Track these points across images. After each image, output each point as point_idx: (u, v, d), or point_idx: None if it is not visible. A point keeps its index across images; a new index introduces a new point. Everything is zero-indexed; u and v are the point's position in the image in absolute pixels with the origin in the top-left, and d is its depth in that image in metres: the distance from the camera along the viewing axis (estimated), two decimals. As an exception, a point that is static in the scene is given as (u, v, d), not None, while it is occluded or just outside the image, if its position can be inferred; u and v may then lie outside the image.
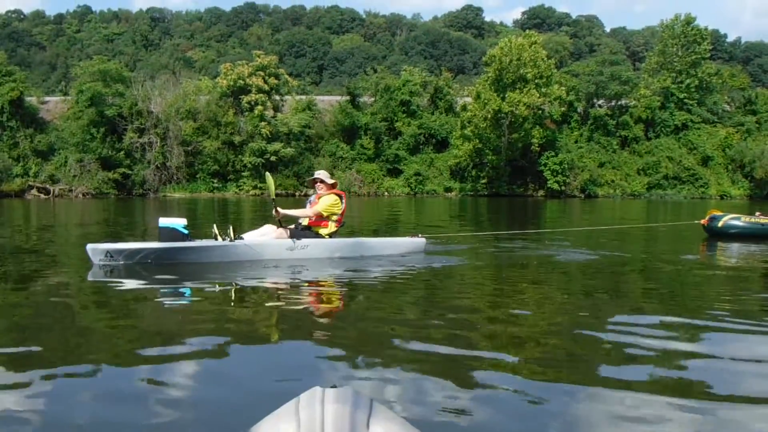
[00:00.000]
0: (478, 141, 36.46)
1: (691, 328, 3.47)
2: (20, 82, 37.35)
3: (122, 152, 35.97)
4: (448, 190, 38.25)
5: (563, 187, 37.56)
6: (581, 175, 38.43)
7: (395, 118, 39.59)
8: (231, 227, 5.65)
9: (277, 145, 35.98)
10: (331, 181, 6.11)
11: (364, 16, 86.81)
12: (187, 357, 2.80)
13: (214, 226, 5.67)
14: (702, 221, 9.65)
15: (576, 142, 40.85)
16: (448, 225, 12.95)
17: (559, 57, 58.03)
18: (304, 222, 6.05)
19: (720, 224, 9.23)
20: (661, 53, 44.49)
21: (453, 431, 2.03)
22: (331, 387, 0.92)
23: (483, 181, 37.61)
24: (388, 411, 0.91)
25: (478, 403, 2.26)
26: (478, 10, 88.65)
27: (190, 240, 5.42)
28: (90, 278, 4.96)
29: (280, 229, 5.87)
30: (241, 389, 2.42)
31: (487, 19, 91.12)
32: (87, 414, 2.19)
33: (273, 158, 36.01)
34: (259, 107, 36.42)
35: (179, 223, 5.35)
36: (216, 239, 5.56)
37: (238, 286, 4.82)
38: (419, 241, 6.67)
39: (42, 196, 34.51)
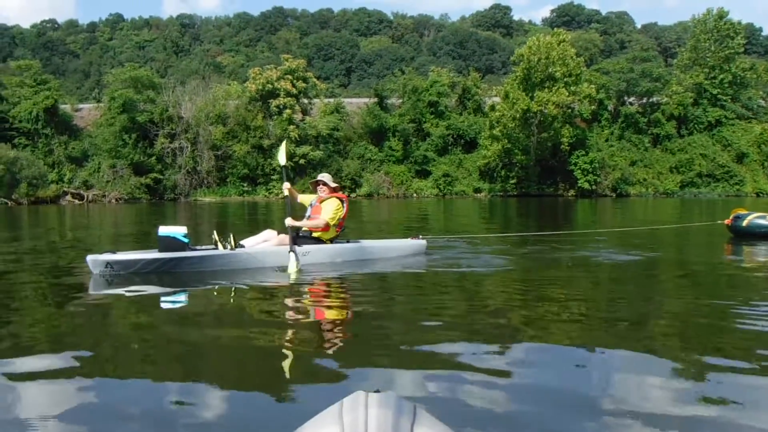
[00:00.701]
0: (507, 141, 36.14)
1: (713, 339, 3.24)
2: (54, 90, 38.25)
3: (154, 157, 36.55)
4: (477, 190, 37.96)
5: (594, 187, 37.01)
6: (612, 174, 37.85)
7: (423, 119, 39.47)
8: (231, 235, 5.51)
9: (305, 148, 36.15)
10: (333, 185, 6.02)
11: (391, 18, 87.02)
12: (212, 364, 2.82)
13: (214, 233, 5.56)
14: (726, 221, 9.19)
15: (607, 140, 40.23)
16: (474, 226, 12.68)
17: (589, 54, 57.29)
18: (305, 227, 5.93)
19: (744, 224, 8.77)
20: (694, 49, 43.55)
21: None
22: (375, 391, 0.90)
23: (512, 181, 37.25)
24: (432, 417, 0.89)
25: (516, 405, 2.25)
26: (507, 9, 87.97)
27: (190, 248, 5.31)
28: (100, 289, 4.83)
29: (282, 235, 5.72)
30: (273, 396, 2.40)
31: (516, 18, 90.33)
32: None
33: (302, 161, 36.21)
34: (288, 111, 36.65)
35: (179, 231, 5.23)
36: (216, 246, 5.45)
37: (248, 291, 4.71)
38: (420, 243, 6.58)
39: (76, 201, 35.22)
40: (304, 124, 37.16)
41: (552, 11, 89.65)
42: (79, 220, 17.02)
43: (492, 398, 2.31)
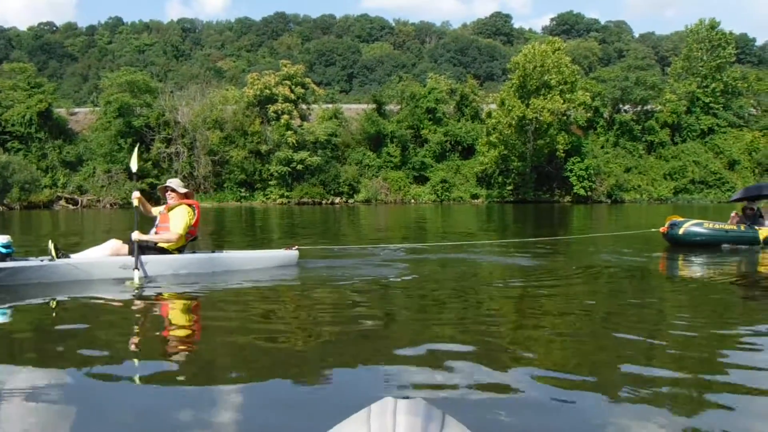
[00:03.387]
0: (503, 147, 36.40)
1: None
2: (49, 93, 37.96)
3: (150, 162, 36.28)
4: (474, 196, 38.16)
5: (589, 193, 37.38)
6: (607, 181, 38.29)
7: (421, 126, 39.67)
8: (52, 244, 5.02)
9: (303, 154, 36.14)
10: (183, 191, 5.63)
11: (393, 25, 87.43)
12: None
13: (50, 242, 5.10)
14: (662, 229, 8.83)
15: (602, 147, 40.68)
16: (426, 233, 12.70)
17: (587, 63, 58.01)
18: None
19: (681, 231, 8.48)
20: (687, 58, 44.28)
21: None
22: (404, 398, 0.91)
23: (509, 187, 37.50)
24: (460, 425, 0.88)
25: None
26: (507, 17, 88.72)
27: (10, 259, 4.86)
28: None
29: (119, 245, 5.32)
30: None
31: (516, 26, 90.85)
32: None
33: (299, 167, 36.19)
34: (286, 116, 36.65)
35: None
36: (52, 257, 4.99)
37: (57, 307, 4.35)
38: (290, 254, 6.15)
39: (70, 206, 34.90)
40: (302, 129, 37.17)
41: (552, 19, 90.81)
42: (72, 226, 16.87)
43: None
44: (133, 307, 4.41)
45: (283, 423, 2.20)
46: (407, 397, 0.91)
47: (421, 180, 38.74)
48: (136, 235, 5.21)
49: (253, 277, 5.55)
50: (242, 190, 37.35)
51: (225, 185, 37.54)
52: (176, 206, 5.54)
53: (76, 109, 43.21)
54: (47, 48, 70.61)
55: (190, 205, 5.60)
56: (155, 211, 5.76)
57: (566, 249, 8.72)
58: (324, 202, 36.39)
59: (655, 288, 5.75)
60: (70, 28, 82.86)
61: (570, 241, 9.75)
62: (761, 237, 8.57)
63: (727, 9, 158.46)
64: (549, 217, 20.88)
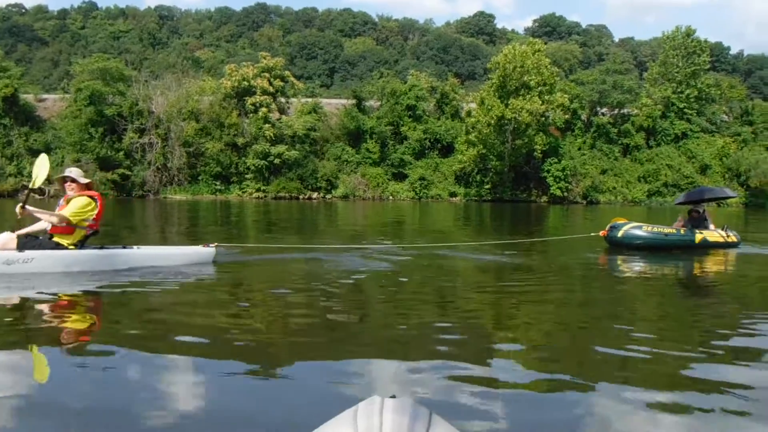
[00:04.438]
0: (482, 146, 36.53)
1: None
2: (16, 78, 36.58)
3: (122, 152, 35.41)
4: (452, 195, 38.22)
5: (566, 194, 37.81)
6: (583, 182, 38.77)
7: (401, 123, 39.51)
8: None
9: (281, 148, 35.63)
10: (84, 181, 5.30)
11: (376, 20, 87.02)
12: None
13: None
14: (602, 232, 8.88)
15: (579, 149, 41.16)
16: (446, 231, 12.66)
17: (568, 65, 58.64)
18: (49, 229, 5.15)
19: (620, 234, 8.54)
20: (663, 64, 45.10)
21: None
22: (390, 397, 0.91)
23: (487, 186, 37.67)
24: (447, 424, 0.89)
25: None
26: (490, 17, 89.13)
27: None
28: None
29: (9, 237, 4.98)
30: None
31: (499, 26, 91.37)
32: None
33: (277, 161, 35.67)
34: (264, 109, 36.06)
35: None
36: None
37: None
38: (206, 251, 5.89)
39: (37, 196, 33.60)
40: (280, 123, 36.62)
41: (534, 21, 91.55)
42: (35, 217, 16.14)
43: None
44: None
45: (264, 421, 2.16)
46: (394, 396, 0.89)
47: (400, 177, 38.61)
48: (27, 208, 4.87)
49: (157, 275, 5.22)
50: (218, 183, 36.63)
51: (200, 178, 36.76)
52: (75, 197, 5.17)
53: (45, 96, 41.75)
54: (15, 31, 68.07)
55: (91, 197, 5.25)
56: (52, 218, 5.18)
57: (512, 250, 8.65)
58: (301, 197, 35.97)
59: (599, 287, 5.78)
60: (41, 10, 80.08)
61: (522, 243, 9.66)
62: (696, 240, 8.72)
63: (705, 18, 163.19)
64: (523, 217, 21.01)
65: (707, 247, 8.83)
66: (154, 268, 5.48)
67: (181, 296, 4.67)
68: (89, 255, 5.27)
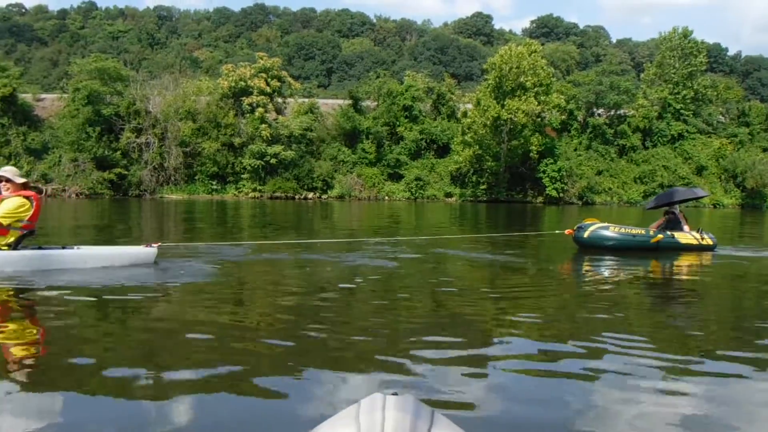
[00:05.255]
0: (478, 147, 36.58)
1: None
2: (14, 78, 36.73)
3: (119, 152, 35.53)
4: (448, 195, 38.29)
5: (561, 194, 37.83)
6: (579, 183, 38.79)
7: (397, 123, 39.60)
8: None
9: (277, 148, 35.73)
10: (20, 180, 5.21)
11: (374, 21, 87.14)
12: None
13: None
14: (567, 231, 8.70)
15: (575, 150, 41.20)
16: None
17: (566, 66, 58.73)
18: None
19: (586, 234, 8.34)
20: (660, 65, 45.13)
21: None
22: (393, 394, 0.90)
23: (483, 186, 37.73)
24: (450, 421, 0.89)
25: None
26: (488, 18, 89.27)
27: None
28: None
29: None
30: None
31: (497, 27, 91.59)
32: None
33: (273, 161, 35.76)
34: (260, 109, 36.16)
35: None
36: None
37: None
38: (147, 251, 5.77)
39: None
40: (277, 123, 36.73)
41: (532, 22, 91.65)
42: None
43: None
44: None
45: (268, 421, 2.21)
46: (396, 393, 0.89)
47: (396, 177, 38.69)
48: None
49: (95, 276, 5.13)
50: (214, 183, 36.73)
51: (196, 177, 36.87)
52: (9, 197, 5.10)
53: (44, 95, 41.88)
54: (15, 30, 68.28)
55: (27, 197, 5.18)
56: None
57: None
58: (297, 197, 36.07)
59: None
60: (41, 10, 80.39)
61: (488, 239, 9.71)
62: (652, 240, 8.56)
63: (702, 19, 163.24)
64: (517, 218, 21.06)
65: (678, 249, 8.69)
66: (88, 269, 5.39)
67: (117, 298, 4.58)
68: (23, 256, 5.20)
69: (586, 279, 6.59)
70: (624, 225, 8.91)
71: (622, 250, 8.36)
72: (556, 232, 9.14)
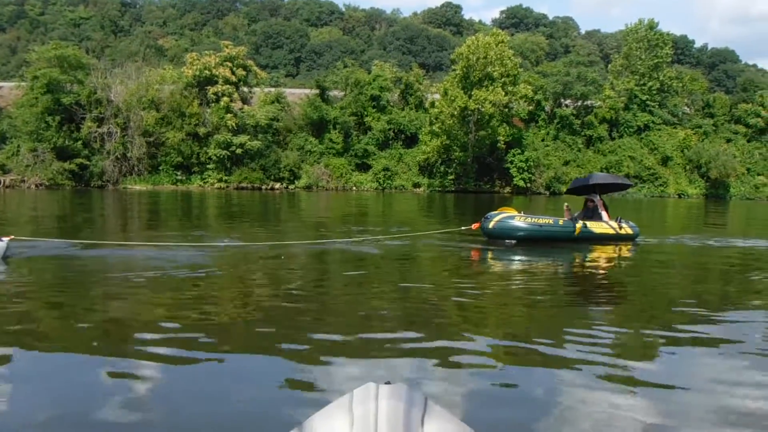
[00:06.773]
0: (445, 137, 36.66)
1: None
2: (-31, 66, 35.52)
3: (80, 142, 34.68)
4: (416, 185, 38.37)
5: (529, 185, 38.22)
6: (546, 173, 39.21)
7: (365, 113, 39.42)
8: None
9: (243, 138, 35.30)
10: None
11: (343, 10, 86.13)
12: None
13: None
14: (474, 225, 8.43)
15: (542, 140, 41.59)
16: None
17: (535, 57, 58.96)
18: None
19: (491, 225, 8.14)
20: (626, 56, 45.68)
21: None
22: (385, 383, 0.90)
23: (450, 177, 37.88)
24: (443, 409, 0.90)
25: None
26: (458, 8, 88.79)
27: None
28: None
29: None
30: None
31: (467, 17, 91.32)
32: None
33: (239, 151, 35.35)
34: (226, 99, 35.64)
35: None
36: None
37: None
38: None
39: None
40: (243, 112, 36.26)
41: (502, 12, 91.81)
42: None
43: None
44: None
45: (261, 410, 2.23)
46: (389, 382, 0.89)
47: (364, 167, 38.59)
48: None
49: None
50: (178, 174, 36.14)
51: (161, 168, 36.22)
52: None
53: (1, 84, 40.64)
54: (-30, 16, 65.83)
55: None
56: None
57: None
58: (264, 187, 35.77)
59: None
60: (-3, -5, 77.46)
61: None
62: (576, 231, 8.36)
63: (670, 11, 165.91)
64: (484, 208, 21.22)
65: (592, 239, 8.43)
66: None
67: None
68: None
69: (491, 272, 6.50)
70: (532, 215, 8.65)
71: (533, 241, 8.13)
72: (462, 228, 8.74)
